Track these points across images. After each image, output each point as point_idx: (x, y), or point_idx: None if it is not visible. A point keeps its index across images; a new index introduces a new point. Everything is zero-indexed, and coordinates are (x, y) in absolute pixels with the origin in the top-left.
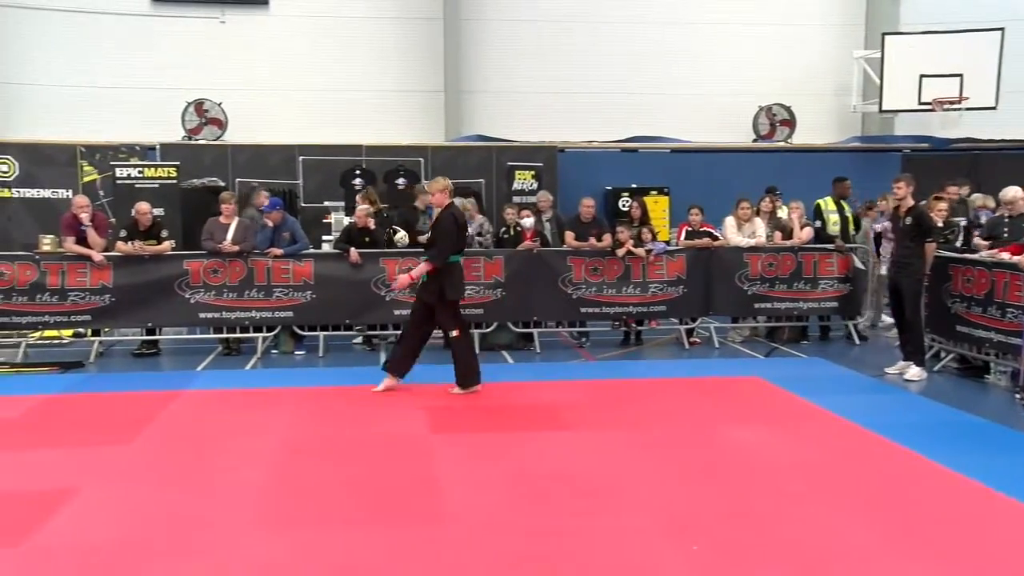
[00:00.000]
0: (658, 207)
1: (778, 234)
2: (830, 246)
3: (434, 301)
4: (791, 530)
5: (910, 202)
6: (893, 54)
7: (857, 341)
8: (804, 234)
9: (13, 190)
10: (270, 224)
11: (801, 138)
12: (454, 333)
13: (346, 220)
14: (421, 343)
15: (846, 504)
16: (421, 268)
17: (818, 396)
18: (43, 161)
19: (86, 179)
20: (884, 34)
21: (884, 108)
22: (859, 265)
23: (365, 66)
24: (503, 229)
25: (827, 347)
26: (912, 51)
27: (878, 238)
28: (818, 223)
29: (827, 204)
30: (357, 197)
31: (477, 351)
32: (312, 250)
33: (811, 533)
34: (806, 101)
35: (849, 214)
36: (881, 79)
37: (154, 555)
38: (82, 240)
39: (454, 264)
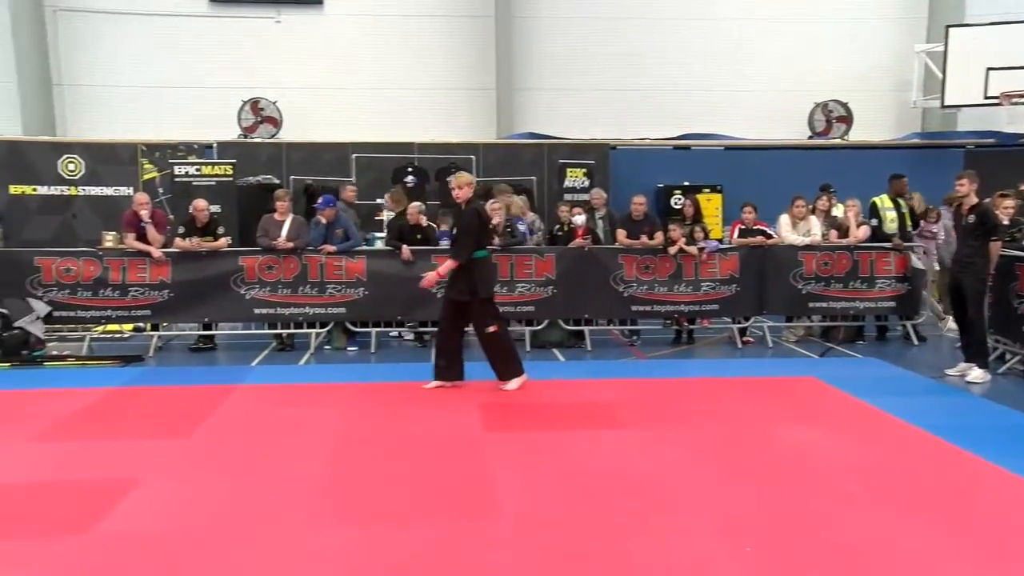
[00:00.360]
0: (711, 205)
1: (833, 232)
2: (887, 244)
3: (466, 298)
4: (847, 534)
5: (974, 200)
6: (957, 47)
7: (915, 342)
8: (860, 232)
9: (79, 188)
10: (323, 221)
11: (858, 135)
12: (492, 329)
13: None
14: (461, 343)
15: (905, 508)
16: (447, 265)
17: (875, 397)
18: (107, 160)
19: (146, 177)
20: (948, 26)
21: (946, 103)
22: (917, 264)
23: (417, 64)
24: (556, 226)
25: (884, 347)
26: (978, 43)
27: None
28: (874, 221)
29: (883, 202)
30: (386, 197)
31: (528, 348)
32: (364, 247)
33: (868, 537)
34: (863, 97)
35: (906, 211)
36: (944, 73)
37: (212, 546)
38: (142, 237)
39: (482, 259)
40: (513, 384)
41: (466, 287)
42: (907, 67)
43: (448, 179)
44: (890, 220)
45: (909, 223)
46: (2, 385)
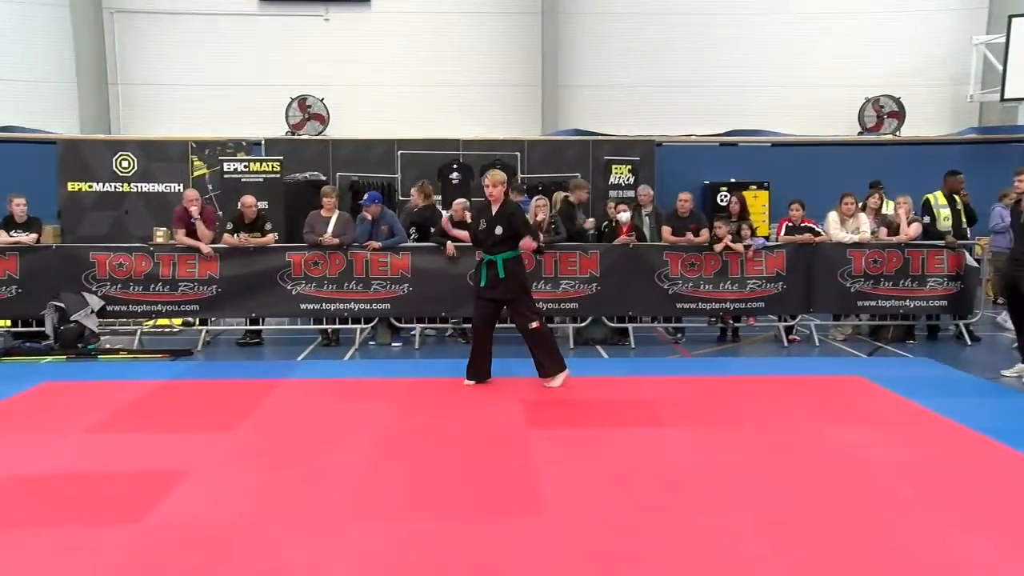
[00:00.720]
0: (758, 202)
1: (883, 230)
2: (939, 242)
3: (515, 295)
4: (895, 537)
5: None
6: (1021, 37)
7: (969, 342)
8: (911, 230)
9: (132, 185)
10: (369, 218)
11: (911, 130)
12: (535, 324)
13: (444, 214)
14: (491, 343)
15: (958, 512)
16: (531, 244)
17: (926, 398)
18: (158, 157)
19: (196, 173)
20: (1011, 16)
21: (1006, 96)
22: (971, 262)
23: (463, 61)
24: (604, 223)
25: (935, 347)
26: None
27: None
28: (927, 219)
29: (937, 199)
30: (412, 190)
31: (571, 345)
32: (409, 243)
33: (919, 541)
34: (917, 92)
35: (961, 208)
36: (1005, 65)
37: (259, 537)
38: (192, 232)
39: (520, 256)
40: (558, 380)
41: (517, 284)
42: (964, 59)
43: (487, 174)
44: (943, 217)
45: (964, 220)
46: (60, 377)
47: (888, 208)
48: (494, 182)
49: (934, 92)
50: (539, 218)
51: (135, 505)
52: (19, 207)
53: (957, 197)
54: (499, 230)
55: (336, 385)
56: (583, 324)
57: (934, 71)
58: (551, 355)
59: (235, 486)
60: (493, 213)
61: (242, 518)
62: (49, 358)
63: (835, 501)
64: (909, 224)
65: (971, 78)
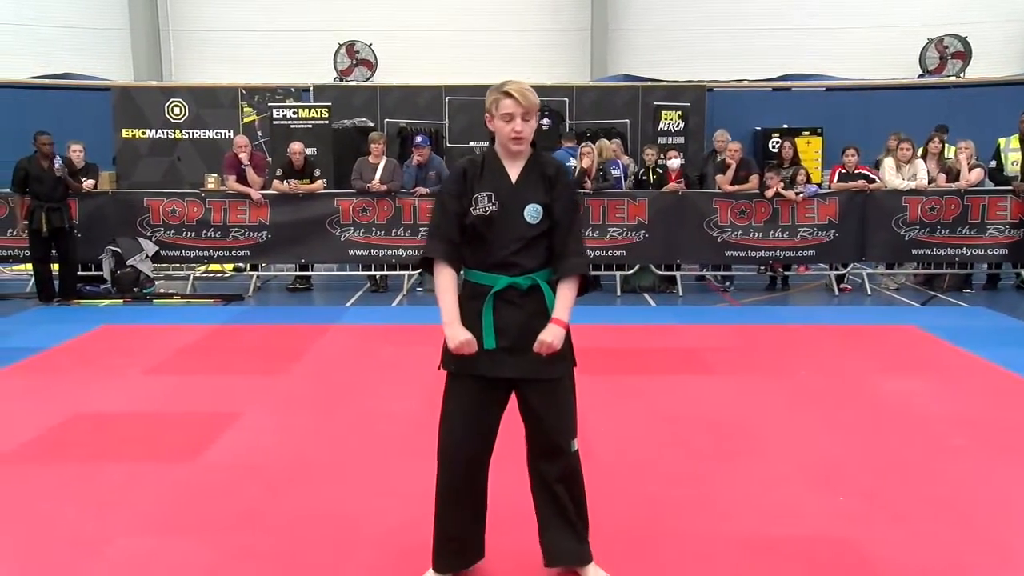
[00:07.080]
0: (811, 148)
1: (942, 176)
2: (1005, 188)
3: (561, 372)
4: (947, 486)
5: None
6: None
7: None
8: (972, 176)
9: (184, 131)
10: (417, 159)
11: (978, 71)
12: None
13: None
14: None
15: (1013, 461)
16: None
17: (982, 348)
18: (210, 103)
19: (246, 120)
20: None
21: None
22: None
23: (512, 5)
24: (641, 171)
25: (994, 297)
26: None
27: None
28: (993, 163)
29: (1009, 142)
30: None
31: (619, 293)
32: None
33: (973, 491)
34: (985, 30)
35: None
36: None
37: (311, 477)
38: (243, 179)
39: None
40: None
41: (568, 349)
42: None
43: (541, 121)
44: (1012, 162)
45: None
46: (117, 320)
47: (950, 153)
48: (529, 106)
49: (1004, 28)
50: (584, 164)
51: (191, 444)
52: (76, 153)
53: None
54: (533, 214)
55: (385, 331)
56: (630, 272)
57: (1005, 5)
58: (584, 516)
59: (287, 427)
60: (513, 179)
61: (294, 458)
62: (107, 301)
63: (884, 450)
64: (970, 170)
65: None
